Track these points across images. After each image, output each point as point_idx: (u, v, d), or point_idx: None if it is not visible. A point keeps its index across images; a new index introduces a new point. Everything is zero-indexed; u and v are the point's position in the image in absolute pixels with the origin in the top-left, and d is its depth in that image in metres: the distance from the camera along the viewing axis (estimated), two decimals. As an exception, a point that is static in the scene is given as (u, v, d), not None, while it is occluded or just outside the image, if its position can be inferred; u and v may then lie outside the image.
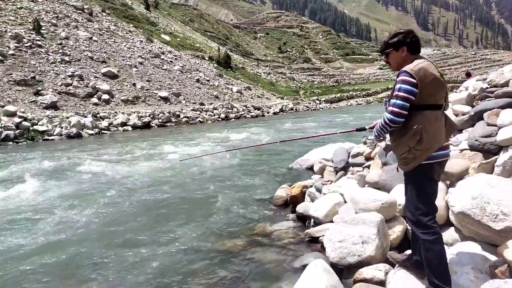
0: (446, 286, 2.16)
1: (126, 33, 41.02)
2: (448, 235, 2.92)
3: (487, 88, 4.23)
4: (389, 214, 3.24)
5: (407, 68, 2.19)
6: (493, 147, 3.30)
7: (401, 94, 2.15)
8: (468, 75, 12.12)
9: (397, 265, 2.73)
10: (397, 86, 2.19)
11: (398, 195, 3.38)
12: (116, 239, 4.22)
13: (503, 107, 3.53)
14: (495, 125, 3.41)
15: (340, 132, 3.42)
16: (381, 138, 2.46)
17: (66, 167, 8.96)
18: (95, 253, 3.86)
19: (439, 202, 3.06)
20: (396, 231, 3.15)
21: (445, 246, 2.78)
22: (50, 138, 16.66)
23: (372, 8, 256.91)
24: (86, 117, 20.10)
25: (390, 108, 2.20)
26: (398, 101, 2.16)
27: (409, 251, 2.81)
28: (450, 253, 2.58)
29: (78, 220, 4.88)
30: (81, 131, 17.98)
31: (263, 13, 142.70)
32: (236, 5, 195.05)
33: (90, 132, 18.57)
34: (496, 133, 3.32)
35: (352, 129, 3.00)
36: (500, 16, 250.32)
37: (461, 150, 3.64)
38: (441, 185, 3.19)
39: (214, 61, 50.85)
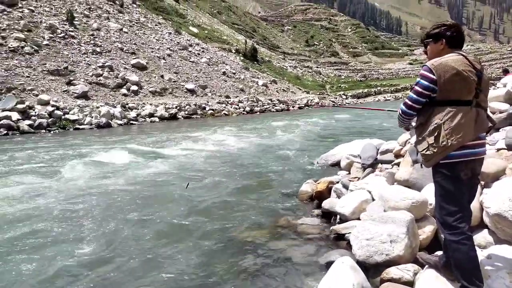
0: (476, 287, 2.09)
1: (156, 25, 41.57)
2: (482, 237, 2.82)
3: (527, 85, 4.04)
4: (420, 214, 3.16)
5: (429, 62, 2.20)
6: (532, 148, 3.16)
7: (416, 88, 2.21)
8: (506, 71, 11.61)
9: (426, 266, 2.66)
10: (417, 79, 2.24)
11: (429, 194, 3.28)
12: (146, 229, 4.30)
13: (545, 105, 3.36)
14: (536, 125, 3.25)
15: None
16: (404, 127, 2.55)
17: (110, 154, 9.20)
18: (129, 243, 3.95)
19: (474, 202, 2.96)
20: (426, 231, 3.07)
21: (477, 248, 2.70)
22: (80, 127, 17.15)
23: (404, 1, 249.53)
24: (115, 107, 20.56)
25: (405, 100, 2.28)
26: (412, 95, 2.23)
27: (440, 252, 2.73)
28: (484, 256, 2.50)
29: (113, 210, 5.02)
30: (110, 121, 18.41)
31: (291, 6, 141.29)
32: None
33: (119, 122, 19.00)
34: (537, 133, 3.17)
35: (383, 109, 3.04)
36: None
37: (498, 150, 3.50)
38: (475, 186, 3.09)
39: (240, 54, 50.90)
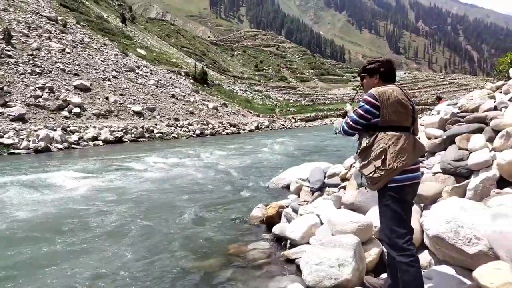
0: None
1: (101, 46, 40.46)
2: (423, 258, 2.94)
3: (458, 112, 4.37)
4: (365, 237, 3.24)
5: (373, 90, 2.37)
6: (464, 171, 3.39)
7: (358, 110, 2.37)
8: (439, 98, 12.57)
9: (373, 289, 2.71)
10: (360, 103, 2.39)
11: (374, 217, 3.39)
12: (82, 262, 4.02)
13: (473, 131, 3.65)
14: (466, 149, 3.51)
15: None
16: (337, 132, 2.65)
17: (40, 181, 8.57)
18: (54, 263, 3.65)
19: (414, 225, 3.09)
20: (372, 253, 3.15)
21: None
22: (16, 151, 15.98)
23: (346, 31, 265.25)
24: (55, 130, 19.46)
25: (347, 119, 2.45)
26: (354, 116, 2.39)
27: (384, 275, 2.81)
28: (425, 276, 2.59)
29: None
30: (49, 145, 17.35)
31: (241, 31, 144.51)
32: (213, 23, 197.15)
33: (59, 146, 17.96)
34: (467, 157, 3.41)
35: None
36: (466, 43, 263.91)
37: (434, 173, 3.72)
38: (415, 208, 3.24)
39: (190, 77, 50.76)
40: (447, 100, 9.78)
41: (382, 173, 2.25)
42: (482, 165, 3.23)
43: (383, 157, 2.25)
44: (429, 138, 4.47)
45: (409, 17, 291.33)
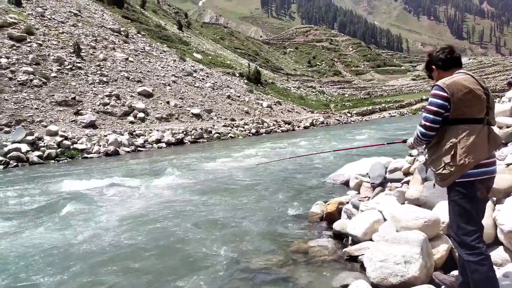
0: None
1: (160, 53, 42.47)
2: (497, 255, 2.78)
3: (533, 99, 4.04)
4: (433, 233, 3.12)
5: (440, 82, 2.22)
6: (543, 162, 3.13)
7: (431, 108, 2.20)
8: (510, 84, 11.55)
9: (443, 286, 2.62)
10: (429, 99, 2.24)
11: (441, 212, 3.25)
12: (146, 256, 4.29)
13: (552, 119, 3.36)
14: (544, 138, 3.24)
15: (387, 143, 3.76)
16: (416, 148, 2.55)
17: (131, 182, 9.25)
18: (142, 264, 3.94)
19: (486, 220, 2.92)
20: (441, 250, 3.03)
21: (495, 267, 2.65)
22: (89, 156, 17.33)
23: (403, 19, 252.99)
24: (122, 135, 20.79)
25: (422, 121, 2.25)
26: (429, 115, 2.21)
27: (455, 272, 2.69)
28: (500, 274, 2.45)
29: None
30: (118, 149, 18.59)
31: (292, 28, 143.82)
32: (265, 22, 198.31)
33: (127, 149, 19.17)
34: (546, 147, 3.15)
35: (399, 141, 3.01)
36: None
37: (508, 165, 3.48)
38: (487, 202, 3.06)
39: (244, 77, 51.55)
40: (520, 85, 8.99)
41: (452, 169, 2.14)
42: None
43: (452, 152, 2.14)
44: (500, 128, 4.18)
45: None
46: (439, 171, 2.22)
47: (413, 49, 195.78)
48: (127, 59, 34.12)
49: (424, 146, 2.42)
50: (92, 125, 21.61)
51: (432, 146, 2.30)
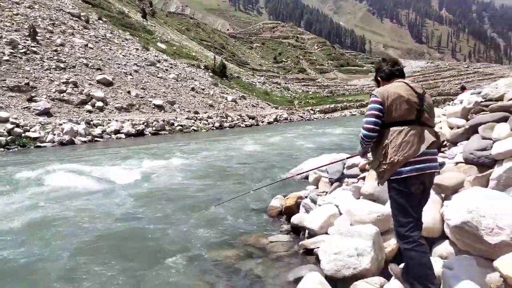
0: None
1: (122, 40, 41.07)
2: (443, 248, 2.91)
3: (481, 101, 4.26)
4: (385, 227, 3.23)
5: (375, 91, 2.52)
6: (488, 161, 3.31)
7: (371, 112, 2.46)
8: (463, 88, 12.23)
9: (392, 277, 2.71)
10: (368, 107, 2.51)
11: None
12: (102, 254, 4.15)
13: (498, 121, 3.55)
14: (490, 139, 3.42)
15: (347, 158, 4.25)
16: (364, 154, 2.79)
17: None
18: (90, 264, 3.79)
19: (434, 215, 3.06)
20: (392, 244, 3.14)
21: (439, 258, 2.79)
22: (42, 145, 16.49)
23: (367, 20, 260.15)
24: (79, 124, 19.95)
25: (364, 125, 2.48)
26: (370, 119, 2.46)
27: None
28: (446, 266, 2.57)
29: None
30: (73, 138, 17.82)
31: (259, 24, 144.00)
32: (232, 15, 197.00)
33: (83, 139, 18.42)
34: (491, 147, 3.32)
35: (356, 154, 3.25)
36: (492, 30, 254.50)
37: (456, 163, 3.65)
38: (436, 198, 3.20)
39: (209, 70, 51.00)
40: (471, 89, 9.51)
41: (385, 167, 2.40)
42: (506, 154, 3.14)
43: (384, 152, 2.40)
44: (451, 128, 4.38)
45: (432, 5, 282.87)
46: (376, 169, 2.49)
47: (375, 50, 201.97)
48: (86, 45, 32.70)
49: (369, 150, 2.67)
50: (46, 112, 20.55)
51: (373, 149, 2.56)
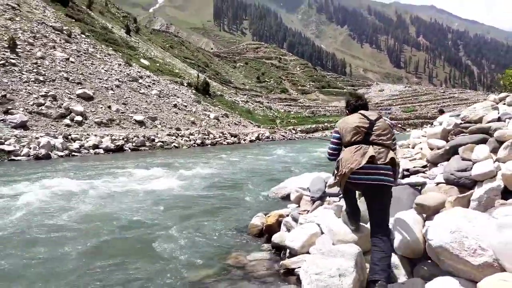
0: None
1: (105, 55, 40.73)
2: (425, 269, 2.87)
3: (461, 123, 4.33)
4: (367, 246, 3.18)
5: (337, 123, 3.28)
6: (468, 182, 3.34)
7: (331, 140, 3.28)
8: (442, 112, 12.54)
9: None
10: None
11: (376, 227, 3.34)
12: (77, 276, 3.95)
13: (477, 142, 3.61)
14: (470, 160, 3.46)
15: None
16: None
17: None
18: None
19: (416, 235, 3.03)
20: (374, 264, 3.08)
21: (421, 280, 2.75)
22: (16, 158, 15.96)
23: (347, 45, 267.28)
24: (56, 138, 19.46)
25: (327, 150, 3.32)
26: (331, 145, 3.28)
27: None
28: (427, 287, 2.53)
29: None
30: (50, 152, 17.34)
31: (243, 44, 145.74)
32: (216, 35, 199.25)
33: (60, 153, 17.94)
34: (471, 168, 3.36)
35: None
36: (467, 58, 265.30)
37: (437, 184, 3.67)
38: (418, 218, 3.19)
39: (192, 87, 50.96)
40: (449, 112, 9.75)
41: (337, 178, 3.05)
42: (486, 176, 3.18)
43: (337, 165, 3.05)
44: (431, 149, 4.43)
45: (410, 32, 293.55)
46: (334, 181, 3.16)
47: (355, 73, 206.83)
48: (67, 59, 32.26)
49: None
50: (23, 125, 19.98)
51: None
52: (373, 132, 2.98)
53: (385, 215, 3.00)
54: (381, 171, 2.89)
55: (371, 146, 2.92)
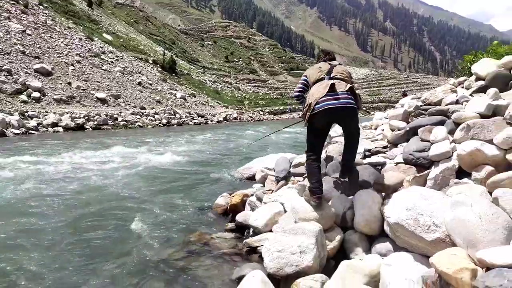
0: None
1: (65, 29, 38.68)
2: (383, 245, 2.96)
3: (421, 105, 4.45)
4: (328, 224, 3.24)
5: (306, 71, 3.78)
6: (425, 162, 3.44)
7: (299, 82, 3.71)
8: (405, 95, 12.90)
9: (334, 274, 2.71)
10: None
11: (336, 205, 3.40)
12: (39, 259, 3.80)
13: (435, 124, 3.71)
14: (428, 141, 3.56)
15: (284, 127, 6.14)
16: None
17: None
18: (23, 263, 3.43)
19: (375, 212, 3.11)
20: (334, 241, 3.15)
21: (378, 256, 2.83)
22: (-33, 135, 15.04)
23: (317, 27, 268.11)
24: (12, 115, 18.47)
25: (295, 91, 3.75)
26: (298, 84, 3.72)
27: (345, 261, 2.81)
28: (384, 263, 2.61)
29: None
30: (5, 130, 16.45)
31: (212, 22, 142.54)
32: (184, 11, 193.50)
33: (16, 131, 17.05)
34: (429, 149, 3.47)
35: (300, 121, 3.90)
36: (430, 44, 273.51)
37: (396, 163, 3.76)
38: (377, 196, 3.27)
39: (158, 65, 49.61)
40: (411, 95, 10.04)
41: (305, 110, 3.42)
42: (442, 156, 3.29)
43: (305, 101, 3.50)
44: (393, 130, 4.53)
45: (377, 16, 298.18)
46: (302, 116, 3.52)
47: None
48: (24, 31, 30.39)
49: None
50: (-26, 101, 18.79)
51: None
52: (333, 72, 3.51)
53: (358, 138, 3.54)
54: (342, 96, 3.28)
55: (332, 79, 3.39)
